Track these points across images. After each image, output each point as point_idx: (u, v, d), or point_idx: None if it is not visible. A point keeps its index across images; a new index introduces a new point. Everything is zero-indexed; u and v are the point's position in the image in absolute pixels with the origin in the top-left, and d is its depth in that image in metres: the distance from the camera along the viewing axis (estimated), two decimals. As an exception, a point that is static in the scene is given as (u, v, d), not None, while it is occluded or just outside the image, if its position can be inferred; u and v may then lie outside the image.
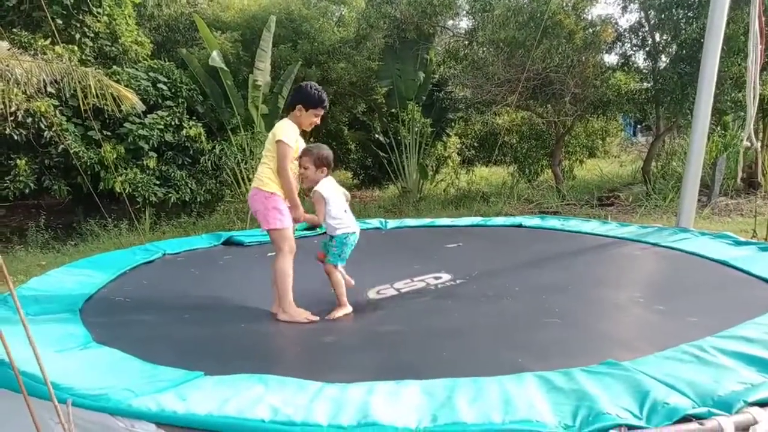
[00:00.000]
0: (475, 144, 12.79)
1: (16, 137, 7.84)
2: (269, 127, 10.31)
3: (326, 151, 3.45)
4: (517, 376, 2.22)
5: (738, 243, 4.64)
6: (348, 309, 3.42)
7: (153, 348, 2.83)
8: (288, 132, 3.30)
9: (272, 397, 2.14)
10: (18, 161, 8.01)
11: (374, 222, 6.38)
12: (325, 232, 3.51)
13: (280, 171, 3.28)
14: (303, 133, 3.51)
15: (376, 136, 12.99)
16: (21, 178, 8.03)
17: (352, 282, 3.59)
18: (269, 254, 5.24)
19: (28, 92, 7.34)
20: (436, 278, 4.05)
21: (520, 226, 6.15)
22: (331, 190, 3.47)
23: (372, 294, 3.75)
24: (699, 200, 6.49)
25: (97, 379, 2.39)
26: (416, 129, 10.98)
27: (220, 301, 3.78)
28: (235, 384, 2.26)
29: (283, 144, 3.25)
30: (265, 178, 3.35)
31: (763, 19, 5.55)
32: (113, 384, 2.31)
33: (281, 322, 3.28)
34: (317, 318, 3.28)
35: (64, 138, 8.00)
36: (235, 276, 4.51)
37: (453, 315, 3.33)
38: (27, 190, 8.23)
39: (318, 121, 3.48)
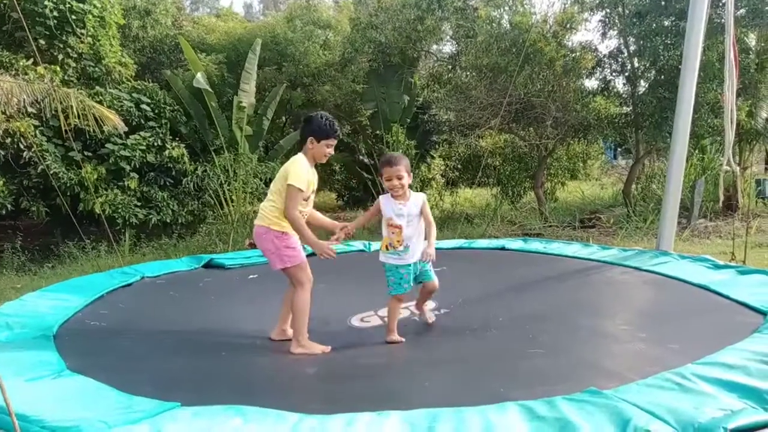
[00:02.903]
0: (459, 166, 12.88)
1: (-6, 157, 7.73)
2: (253, 148, 10.37)
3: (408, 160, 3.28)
4: (499, 405, 2.20)
5: (717, 267, 4.69)
6: (396, 340, 3.26)
7: (128, 376, 2.76)
8: (300, 173, 3.15)
9: (250, 428, 2.09)
10: (-5, 182, 7.87)
11: (358, 244, 6.35)
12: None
13: (288, 215, 3.13)
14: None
15: (361, 157, 13.04)
16: (-2, 199, 7.89)
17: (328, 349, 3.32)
18: (250, 276, 5.20)
19: (7, 112, 7.25)
20: None
21: (503, 248, 6.18)
22: None
23: (355, 321, 3.69)
24: (679, 222, 6.58)
25: (69, 410, 2.32)
26: (400, 151, 11.05)
27: (199, 326, 3.71)
28: (212, 415, 2.20)
29: (293, 188, 3.11)
30: (272, 216, 3.21)
31: (737, 47, 5.72)
32: (86, 415, 2.25)
33: (294, 355, 3.14)
34: (329, 348, 3.17)
35: (44, 158, 7.89)
36: (215, 300, 4.43)
37: (437, 345, 3.30)
38: (4, 211, 8.07)
39: (331, 151, 3.33)
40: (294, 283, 3.26)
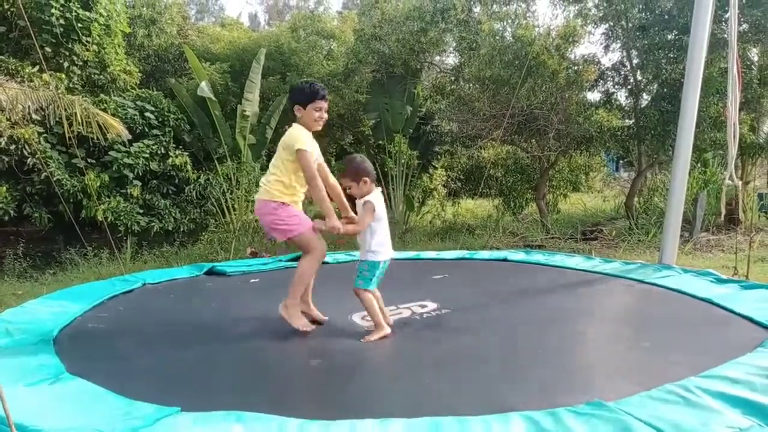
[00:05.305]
0: (461, 177, 12.90)
1: (-3, 163, 7.76)
2: (256, 156, 10.39)
3: (360, 160, 3.27)
4: (503, 416, 2.17)
5: (720, 281, 4.67)
6: (386, 330, 3.30)
7: (128, 380, 2.73)
8: (303, 137, 3.10)
9: (250, 436, 2.07)
10: (-2, 188, 7.90)
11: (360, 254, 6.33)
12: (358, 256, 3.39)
13: (310, 181, 3.10)
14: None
15: (363, 167, 13.01)
16: (1, 205, 7.90)
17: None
18: (252, 280, 5.20)
19: (12, 119, 7.30)
20: (422, 306, 4.01)
21: (505, 260, 6.16)
22: (381, 206, 3.30)
23: (357, 318, 3.68)
24: (681, 236, 6.58)
25: (67, 417, 2.30)
26: (403, 161, 11.08)
27: (200, 330, 3.68)
28: (211, 421, 2.18)
29: (303, 153, 3.05)
30: (274, 189, 3.18)
31: (740, 62, 5.74)
32: (84, 423, 2.22)
33: (281, 316, 3.22)
34: (313, 328, 3.19)
35: (48, 165, 7.92)
36: (215, 304, 4.42)
37: (439, 352, 3.25)
38: (6, 217, 8.09)
39: (324, 115, 3.26)
40: (303, 251, 3.23)
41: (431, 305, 4.03)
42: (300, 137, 3.13)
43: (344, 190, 3.39)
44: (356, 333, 3.44)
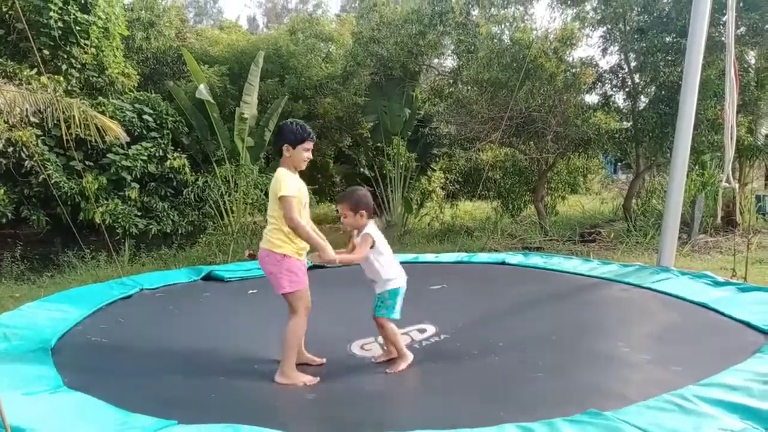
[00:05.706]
0: (460, 179, 12.89)
1: (-5, 166, 7.74)
2: (254, 159, 10.40)
3: (362, 193, 3.29)
4: (498, 427, 2.17)
5: (717, 284, 4.68)
6: (410, 357, 3.26)
7: (126, 393, 2.74)
8: (287, 183, 3.12)
9: (246, 448, 2.07)
10: (-4, 190, 7.88)
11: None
12: (372, 283, 3.32)
13: (291, 225, 3.08)
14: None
15: (362, 169, 13.06)
16: (-2, 208, 7.89)
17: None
18: (250, 291, 5.18)
19: (10, 122, 7.29)
20: (421, 331, 3.91)
21: (503, 263, 6.16)
22: (382, 238, 3.28)
23: (356, 349, 3.59)
24: (679, 238, 6.58)
25: (66, 427, 2.31)
26: (401, 163, 11.08)
27: (198, 343, 3.68)
28: (208, 434, 2.19)
29: (286, 198, 3.07)
30: (274, 239, 3.15)
31: (737, 65, 5.75)
32: (82, 432, 2.23)
33: (279, 384, 3.02)
34: (317, 380, 3.06)
35: (45, 168, 7.91)
36: (214, 316, 4.42)
37: (437, 372, 3.22)
38: (4, 220, 8.07)
39: (309, 155, 3.30)
40: (290, 310, 3.18)
41: (430, 329, 3.94)
42: (284, 183, 3.12)
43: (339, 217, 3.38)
44: (354, 364, 3.35)
